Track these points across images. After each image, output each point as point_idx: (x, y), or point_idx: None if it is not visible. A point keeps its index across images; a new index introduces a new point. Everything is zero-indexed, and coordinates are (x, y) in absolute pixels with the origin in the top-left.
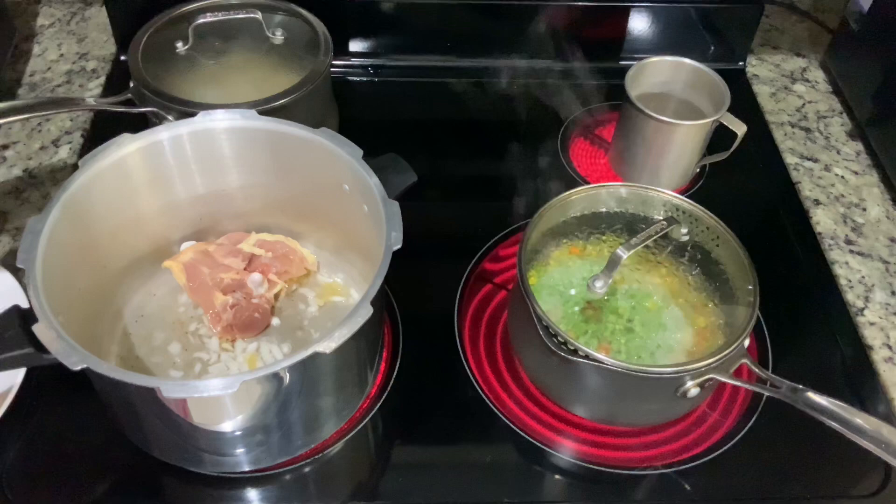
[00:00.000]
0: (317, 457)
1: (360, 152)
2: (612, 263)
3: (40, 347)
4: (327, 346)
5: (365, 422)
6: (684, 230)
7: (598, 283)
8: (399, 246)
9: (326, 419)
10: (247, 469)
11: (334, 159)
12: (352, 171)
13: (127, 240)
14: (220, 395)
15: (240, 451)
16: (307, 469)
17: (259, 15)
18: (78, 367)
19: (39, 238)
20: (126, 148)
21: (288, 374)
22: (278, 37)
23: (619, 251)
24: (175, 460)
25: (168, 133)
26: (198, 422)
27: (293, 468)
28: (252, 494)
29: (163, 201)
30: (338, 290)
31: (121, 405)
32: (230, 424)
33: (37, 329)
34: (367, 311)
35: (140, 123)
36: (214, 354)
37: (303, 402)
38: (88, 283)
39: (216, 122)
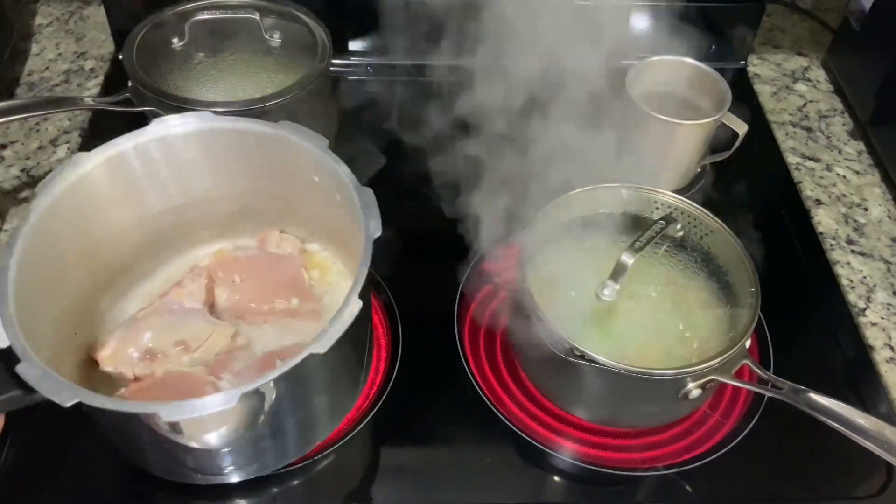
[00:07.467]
0: (315, 458)
1: (326, 142)
2: (619, 270)
3: (27, 388)
4: (322, 346)
5: (364, 423)
6: (685, 230)
7: (607, 291)
8: (379, 234)
9: (320, 421)
10: (244, 474)
11: (300, 152)
12: (319, 161)
13: (102, 257)
14: (222, 410)
15: (232, 460)
16: (306, 471)
17: (257, 16)
18: (69, 404)
19: (7, 275)
20: (83, 167)
21: (283, 381)
22: (276, 38)
23: (624, 257)
24: (169, 476)
25: (130, 143)
26: (190, 438)
27: (292, 470)
28: (251, 499)
29: (134, 215)
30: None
31: (111, 429)
32: (221, 435)
33: (20, 370)
34: (357, 305)
35: (139, 123)
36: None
37: (297, 407)
38: (67, 305)
39: (172, 128)
